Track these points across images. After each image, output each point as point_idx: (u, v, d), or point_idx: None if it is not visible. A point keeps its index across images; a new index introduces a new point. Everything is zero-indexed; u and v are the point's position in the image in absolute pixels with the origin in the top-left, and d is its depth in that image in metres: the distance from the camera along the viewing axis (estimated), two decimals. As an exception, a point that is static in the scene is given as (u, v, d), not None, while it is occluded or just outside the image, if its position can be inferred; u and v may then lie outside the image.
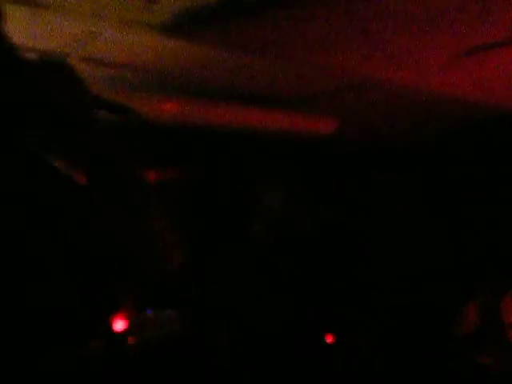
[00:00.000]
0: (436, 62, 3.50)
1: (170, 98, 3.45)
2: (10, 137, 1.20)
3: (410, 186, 5.14)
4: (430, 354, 4.35)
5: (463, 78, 3.77)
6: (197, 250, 4.03)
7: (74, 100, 1.21)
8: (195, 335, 3.74)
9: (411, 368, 4.36)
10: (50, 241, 1.17)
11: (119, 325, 4.10)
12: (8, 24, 1.23)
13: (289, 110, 3.99)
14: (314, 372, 4.19)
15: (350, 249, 4.88)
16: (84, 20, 2.65)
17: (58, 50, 2.93)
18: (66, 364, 1.27)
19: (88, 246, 1.20)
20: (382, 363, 4.43)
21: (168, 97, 3.46)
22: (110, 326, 3.68)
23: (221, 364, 3.73)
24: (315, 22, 2.85)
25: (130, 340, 3.66)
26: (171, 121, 3.56)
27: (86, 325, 1.28)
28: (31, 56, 1.24)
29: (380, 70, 3.52)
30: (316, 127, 4.10)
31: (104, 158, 1.23)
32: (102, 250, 1.22)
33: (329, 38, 3.04)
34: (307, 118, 4.07)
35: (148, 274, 1.30)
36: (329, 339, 4.44)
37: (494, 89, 3.95)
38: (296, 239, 4.59)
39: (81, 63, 3.06)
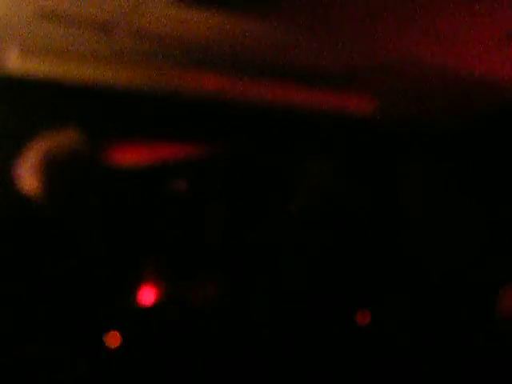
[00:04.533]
0: (479, 44, 3.47)
1: (212, 74, 3.42)
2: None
3: (443, 170, 5.07)
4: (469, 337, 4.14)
5: (505, 61, 3.74)
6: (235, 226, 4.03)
7: None
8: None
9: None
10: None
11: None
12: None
13: (326, 89, 3.96)
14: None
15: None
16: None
17: (104, 20, 2.91)
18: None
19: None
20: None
21: (209, 72, 3.43)
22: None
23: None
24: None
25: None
26: (210, 96, 3.54)
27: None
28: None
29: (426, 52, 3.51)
30: (353, 107, 4.08)
31: None
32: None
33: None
34: (344, 97, 4.04)
35: None
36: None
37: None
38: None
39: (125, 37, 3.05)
